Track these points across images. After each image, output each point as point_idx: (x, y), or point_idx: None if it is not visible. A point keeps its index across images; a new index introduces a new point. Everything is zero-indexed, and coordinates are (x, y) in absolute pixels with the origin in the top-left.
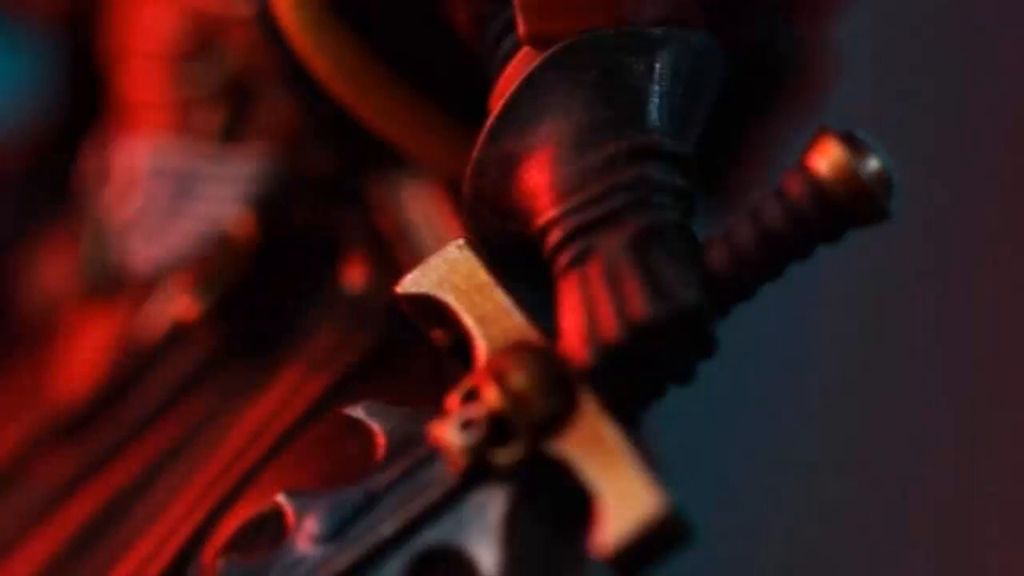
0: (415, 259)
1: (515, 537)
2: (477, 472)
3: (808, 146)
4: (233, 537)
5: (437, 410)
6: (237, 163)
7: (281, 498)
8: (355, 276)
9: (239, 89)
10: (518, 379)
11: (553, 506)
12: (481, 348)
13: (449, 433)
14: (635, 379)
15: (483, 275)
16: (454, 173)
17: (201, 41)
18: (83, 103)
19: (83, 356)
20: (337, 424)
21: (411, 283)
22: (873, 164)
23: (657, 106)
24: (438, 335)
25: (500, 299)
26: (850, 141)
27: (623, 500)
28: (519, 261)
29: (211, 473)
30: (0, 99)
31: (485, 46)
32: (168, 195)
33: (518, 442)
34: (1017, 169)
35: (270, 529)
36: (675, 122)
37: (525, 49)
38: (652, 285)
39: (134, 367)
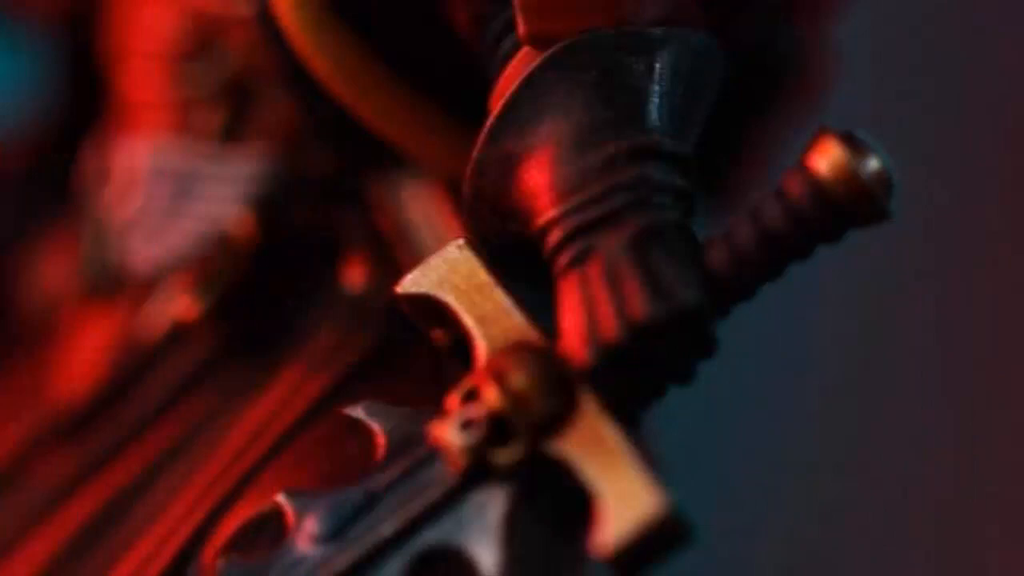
0: (415, 259)
1: (515, 537)
2: (477, 472)
3: (808, 146)
4: (233, 537)
5: (437, 410)
6: (237, 163)
7: (281, 498)
8: (355, 276)
9: (239, 89)
10: (518, 379)
11: (553, 506)
12: (481, 348)
13: (449, 433)
14: (635, 379)
15: (483, 275)
16: (454, 173)
17: (201, 41)
18: (83, 103)
19: (83, 356)
20: (337, 424)
21: (411, 283)
22: (873, 164)
23: (657, 106)
24: (438, 335)
25: (500, 299)
26: (850, 141)
27: (623, 500)
28: (519, 261)
29: (211, 473)
30: (0, 99)
31: (485, 46)
32: (168, 195)
33: (518, 442)
34: (1017, 169)
35: (270, 529)
36: (675, 122)
37: (525, 49)
38: (652, 285)
39: (134, 367)
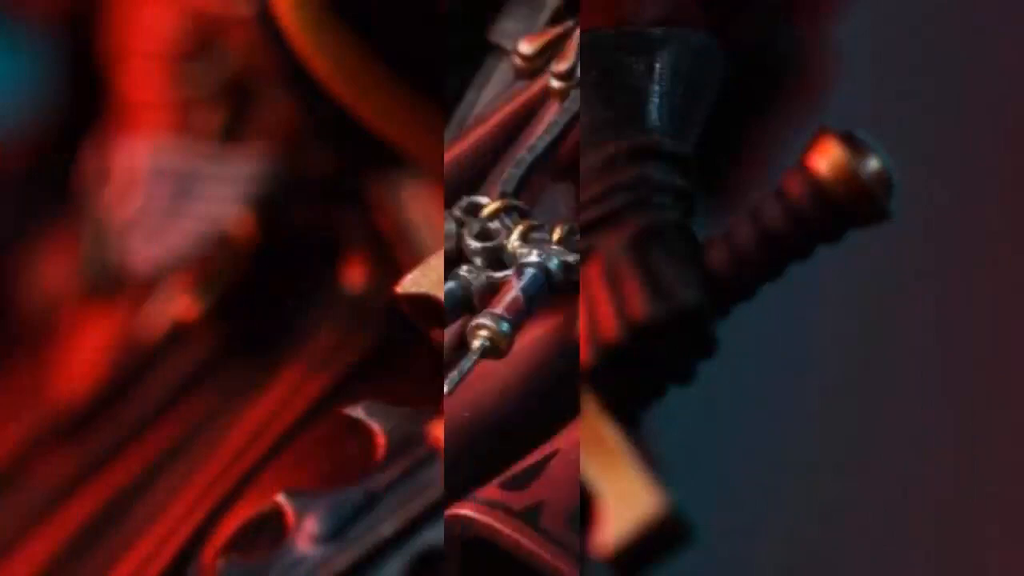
0: (415, 259)
1: None
2: None
3: (808, 146)
4: (233, 537)
5: (437, 410)
6: (237, 163)
7: (281, 498)
8: (355, 276)
9: (239, 89)
10: None
11: None
12: None
13: None
14: (635, 379)
15: None
16: None
17: (201, 41)
18: (83, 103)
19: (83, 356)
20: (337, 424)
21: (411, 283)
22: (873, 164)
23: (657, 106)
24: (438, 335)
25: None
26: (850, 141)
27: (623, 500)
28: None
29: (211, 473)
30: (0, 99)
31: None
32: (168, 195)
33: None
34: (1017, 169)
35: (270, 529)
36: (675, 122)
37: None
38: (652, 285)
39: (134, 367)
